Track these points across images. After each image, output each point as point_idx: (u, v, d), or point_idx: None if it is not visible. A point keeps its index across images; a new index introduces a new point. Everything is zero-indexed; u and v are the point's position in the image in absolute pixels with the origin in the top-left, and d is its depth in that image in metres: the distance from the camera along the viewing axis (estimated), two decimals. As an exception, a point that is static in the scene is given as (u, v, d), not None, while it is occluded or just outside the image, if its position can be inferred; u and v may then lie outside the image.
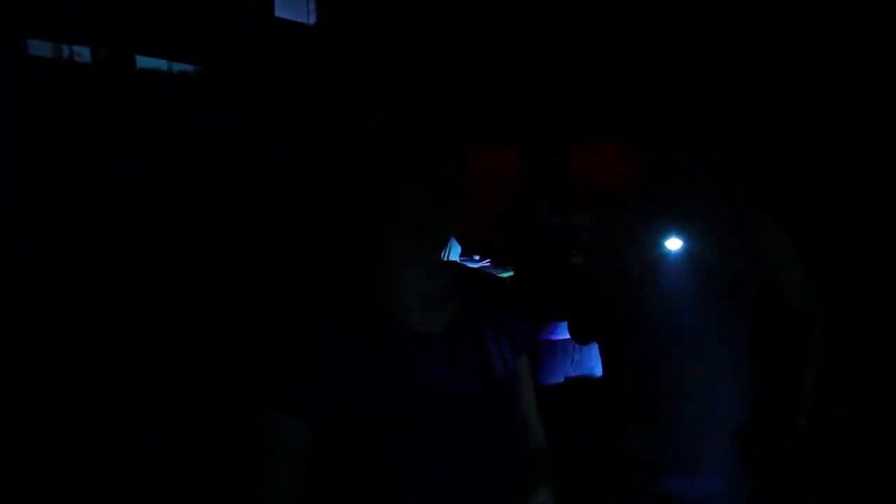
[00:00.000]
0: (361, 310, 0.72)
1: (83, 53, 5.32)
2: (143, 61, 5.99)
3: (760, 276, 1.21)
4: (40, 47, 5.00)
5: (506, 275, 4.03)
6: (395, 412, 0.68)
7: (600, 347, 1.31)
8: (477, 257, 4.19)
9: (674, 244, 1.09)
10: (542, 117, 4.47)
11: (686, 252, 1.09)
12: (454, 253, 3.93)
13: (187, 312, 3.16)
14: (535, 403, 0.87)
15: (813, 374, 1.22)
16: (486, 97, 4.97)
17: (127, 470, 2.22)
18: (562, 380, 2.23)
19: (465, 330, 0.76)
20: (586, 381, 2.25)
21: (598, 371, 2.35)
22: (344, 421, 0.67)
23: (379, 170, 0.66)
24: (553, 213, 2.19)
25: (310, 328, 0.70)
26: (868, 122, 3.09)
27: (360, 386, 0.68)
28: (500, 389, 0.76)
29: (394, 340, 0.72)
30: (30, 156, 3.60)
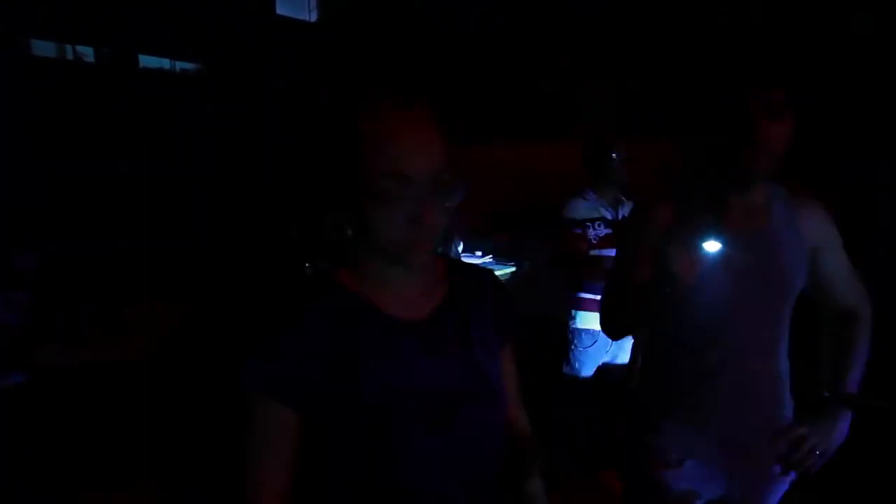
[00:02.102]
0: (347, 297, 0.73)
1: (87, 53, 5.34)
2: (145, 60, 6.01)
3: (805, 275, 1.15)
4: (45, 47, 5.03)
5: (507, 270, 4.04)
6: (380, 398, 0.69)
7: (636, 341, 1.26)
8: (479, 253, 4.21)
9: (712, 246, 1.03)
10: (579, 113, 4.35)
11: (726, 256, 1.06)
12: (456, 249, 3.94)
13: (182, 303, 3.17)
14: (520, 393, 0.87)
15: (856, 372, 1.17)
16: (495, 93, 4.97)
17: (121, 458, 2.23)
18: (593, 371, 2.25)
19: (449, 318, 0.76)
20: (617, 374, 2.25)
21: (625, 360, 2.28)
22: (330, 407, 0.68)
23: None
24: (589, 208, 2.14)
25: (296, 316, 0.70)
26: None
27: (345, 372, 0.69)
28: (483, 376, 0.76)
29: (378, 328, 0.72)
30: (34, 155, 3.61)
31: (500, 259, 3.99)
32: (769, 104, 1.04)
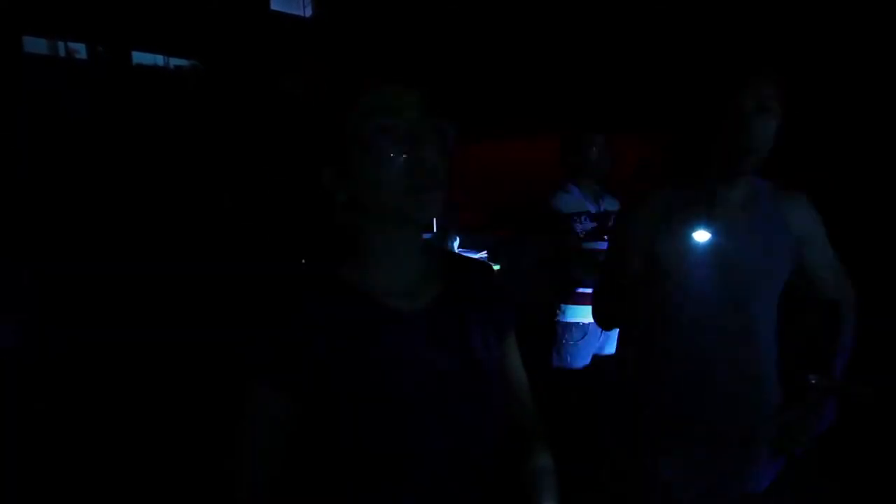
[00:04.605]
0: (346, 288, 0.73)
1: (80, 50, 5.31)
2: (139, 57, 5.98)
3: (792, 266, 1.17)
4: (37, 44, 4.99)
5: (495, 267, 4.04)
6: (378, 388, 0.69)
7: (625, 334, 1.28)
8: (474, 249, 4.23)
9: (701, 236, 1.05)
10: (570, 107, 4.34)
11: (714, 245, 1.06)
12: (454, 244, 3.96)
13: (180, 289, 3.15)
14: (528, 386, 0.87)
15: (840, 359, 1.20)
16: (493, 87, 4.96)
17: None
18: (588, 361, 2.21)
19: (446, 309, 0.76)
20: (606, 365, 2.28)
21: (612, 351, 2.33)
22: (325, 397, 0.68)
23: (362, 155, 0.68)
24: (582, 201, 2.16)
25: (295, 304, 0.70)
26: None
27: (342, 362, 0.69)
28: (480, 368, 0.76)
29: (375, 319, 0.72)
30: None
31: (494, 256, 4.01)
32: (759, 98, 1.07)
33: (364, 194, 0.69)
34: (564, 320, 2.18)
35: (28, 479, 2.04)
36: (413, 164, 0.67)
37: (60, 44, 4.99)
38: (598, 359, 2.24)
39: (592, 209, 2.16)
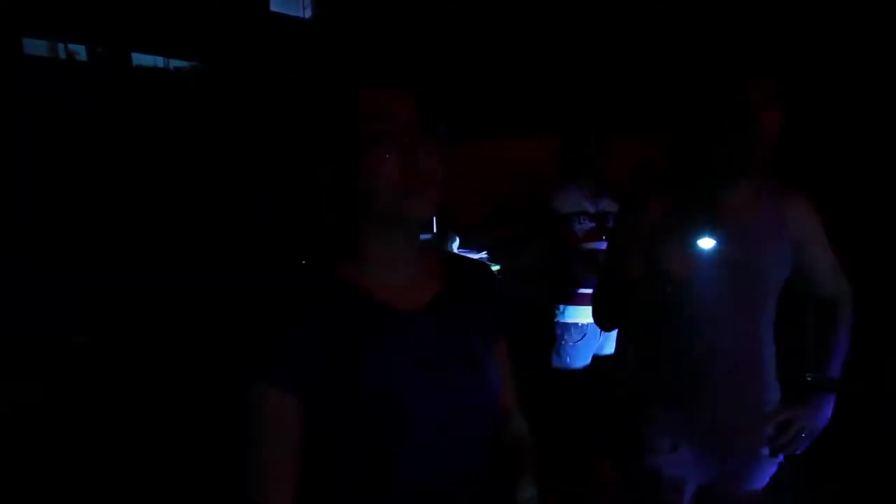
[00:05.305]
0: (345, 289, 0.74)
1: (80, 52, 5.32)
2: (139, 58, 5.99)
3: (791, 266, 1.18)
4: (37, 46, 5.00)
5: (494, 267, 4.06)
6: (377, 388, 0.70)
7: (625, 334, 1.29)
8: (474, 249, 4.23)
9: (706, 243, 1.05)
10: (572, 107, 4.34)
11: (718, 251, 1.05)
12: (454, 244, 3.97)
13: (184, 294, 3.17)
14: (515, 388, 0.88)
15: (839, 357, 1.21)
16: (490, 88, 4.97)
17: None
18: (588, 361, 2.23)
19: (445, 309, 0.77)
20: (606, 365, 2.29)
21: (611, 351, 2.29)
22: (331, 397, 0.69)
23: (357, 156, 0.69)
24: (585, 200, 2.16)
25: (296, 308, 0.71)
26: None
27: (345, 363, 0.70)
28: (479, 368, 0.77)
29: (374, 319, 0.73)
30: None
31: (494, 256, 4.01)
32: (763, 93, 1.06)
33: (360, 195, 0.70)
34: (564, 320, 2.18)
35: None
36: (407, 166, 0.68)
37: (61, 46, 5.00)
38: (597, 359, 2.24)
39: (591, 209, 2.16)
